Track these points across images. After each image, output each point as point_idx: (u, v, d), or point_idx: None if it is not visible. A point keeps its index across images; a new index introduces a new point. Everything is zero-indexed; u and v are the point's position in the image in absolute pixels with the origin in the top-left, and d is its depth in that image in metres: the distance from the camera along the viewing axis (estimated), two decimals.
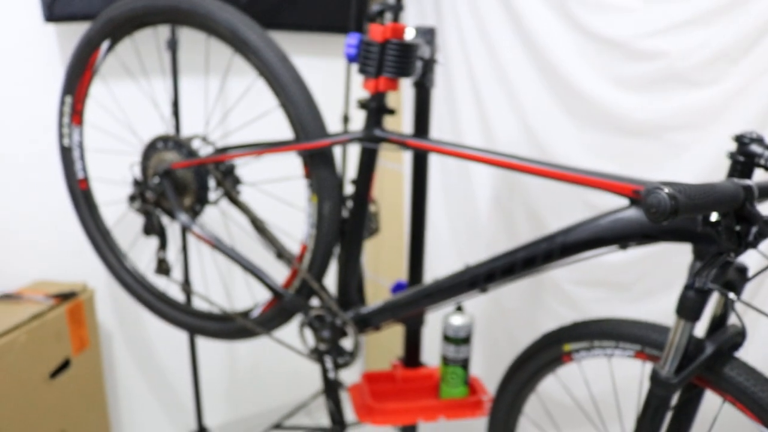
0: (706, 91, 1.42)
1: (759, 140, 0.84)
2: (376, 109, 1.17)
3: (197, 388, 2.10)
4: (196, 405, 2.12)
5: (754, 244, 0.74)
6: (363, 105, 1.19)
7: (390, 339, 1.96)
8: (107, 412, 2.03)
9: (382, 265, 2.37)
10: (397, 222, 2.14)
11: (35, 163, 1.83)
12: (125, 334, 2.17)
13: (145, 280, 1.59)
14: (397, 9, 1.11)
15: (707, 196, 0.64)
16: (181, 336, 2.13)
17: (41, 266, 1.93)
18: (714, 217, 0.77)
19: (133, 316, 2.16)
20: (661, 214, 0.61)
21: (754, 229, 0.73)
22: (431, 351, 1.62)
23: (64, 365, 1.78)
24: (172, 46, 1.63)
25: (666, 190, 0.60)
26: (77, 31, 1.53)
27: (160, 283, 1.60)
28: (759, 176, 0.86)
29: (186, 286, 1.51)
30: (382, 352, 2.30)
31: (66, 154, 1.55)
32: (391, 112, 1.18)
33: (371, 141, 1.18)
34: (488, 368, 1.56)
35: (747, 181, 0.71)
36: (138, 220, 1.61)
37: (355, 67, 1.17)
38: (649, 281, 1.58)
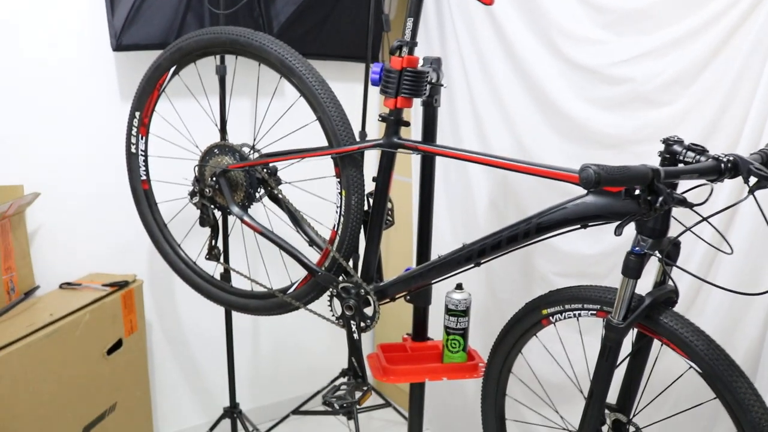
0: (663, 110, 1.71)
1: (680, 142, 1.12)
2: (395, 121, 1.46)
3: (232, 370, 2.35)
4: (230, 385, 2.37)
5: (661, 210, 1.03)
6: (384, 119, 1.47)
7: (396, 321, 2.21)
8: (149, 389, 2.30)
9: (389, 268, 2.63)
10: (404, 230, 2.39)
11: (92, 172, 2.14)
12: (164, 323, 2.45)
13: (196, 266, 1.87)
14: (412, 45, 1.41)
15: (623, 173, 0.93)
16: (213, 327, 2.40)
17: (95, 261, 2.23)
18: (637, 192, 1.07)
19: (171, 308, 2.45)
20: (589, 183, 0.90)
21: (660, 199, 1.02)
22: (434, 330, 1.89)
23: (117, 345, 2.05)
24: (221, 72, 1.94)
25: (593, 167, 0.90)
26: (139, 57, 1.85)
27: (208, 268, 1.88)
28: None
29: (231, 267, 1.78)
30: (390, 331, 2.53)
31: (132, 159, 1.84)
32: (407, 123, 1.47)
33: (391, 147, 1.47)
34: (486, 348, 1.83)
35: (655, 165, 0.99)
36: (187, 218, 1.90)
37: (373, 90, 1.43)
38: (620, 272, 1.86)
